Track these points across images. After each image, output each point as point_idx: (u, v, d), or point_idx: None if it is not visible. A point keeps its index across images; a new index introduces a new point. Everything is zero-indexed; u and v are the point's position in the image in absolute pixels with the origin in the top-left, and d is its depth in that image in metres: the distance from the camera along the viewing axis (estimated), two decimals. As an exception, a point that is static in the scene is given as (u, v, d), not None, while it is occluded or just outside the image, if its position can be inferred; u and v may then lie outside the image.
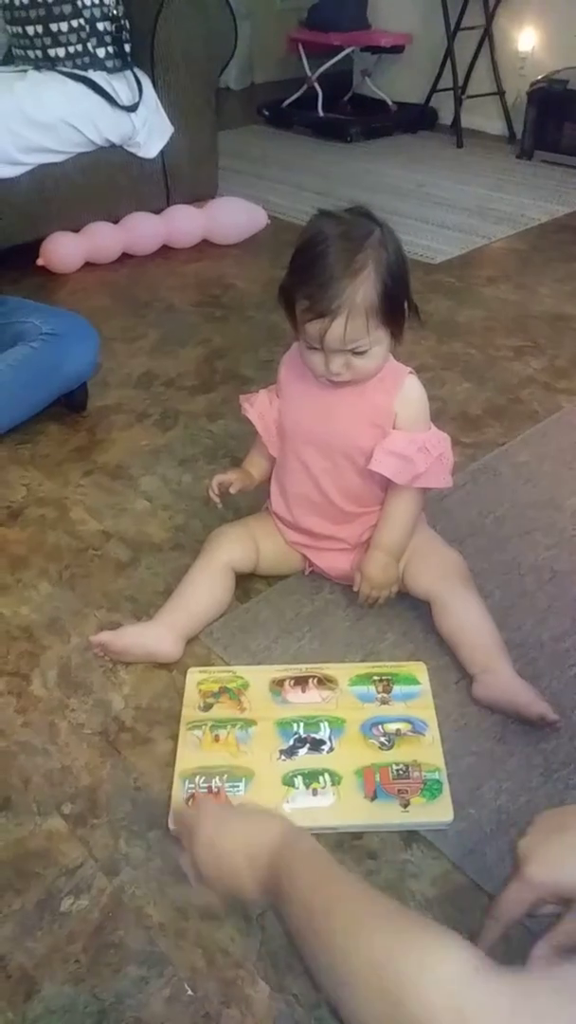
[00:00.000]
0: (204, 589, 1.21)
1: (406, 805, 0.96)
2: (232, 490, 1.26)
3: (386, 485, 1.16)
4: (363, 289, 1.00)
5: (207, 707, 1.08)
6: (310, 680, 1.11)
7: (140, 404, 1.79)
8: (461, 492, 1.48)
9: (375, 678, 1.11)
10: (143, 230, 2.50)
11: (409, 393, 1.13)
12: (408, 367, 1.16)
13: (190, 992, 0.81)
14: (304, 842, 0.71)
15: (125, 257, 2.49)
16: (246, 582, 1.27)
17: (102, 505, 1.49)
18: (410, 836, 0.94)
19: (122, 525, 1.44)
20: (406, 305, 1.06)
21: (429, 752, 1.01)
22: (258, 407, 1.22)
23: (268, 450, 1.24)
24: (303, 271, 1.02)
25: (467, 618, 1.14)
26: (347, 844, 0.94)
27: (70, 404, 1.73)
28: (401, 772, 0.99)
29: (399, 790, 0.97)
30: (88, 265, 2.43)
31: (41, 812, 0.98)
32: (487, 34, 3.55)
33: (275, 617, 1.24)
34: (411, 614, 1.22)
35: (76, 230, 2.42)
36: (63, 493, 1.52)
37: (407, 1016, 0.51)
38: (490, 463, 1.57)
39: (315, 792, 0.97)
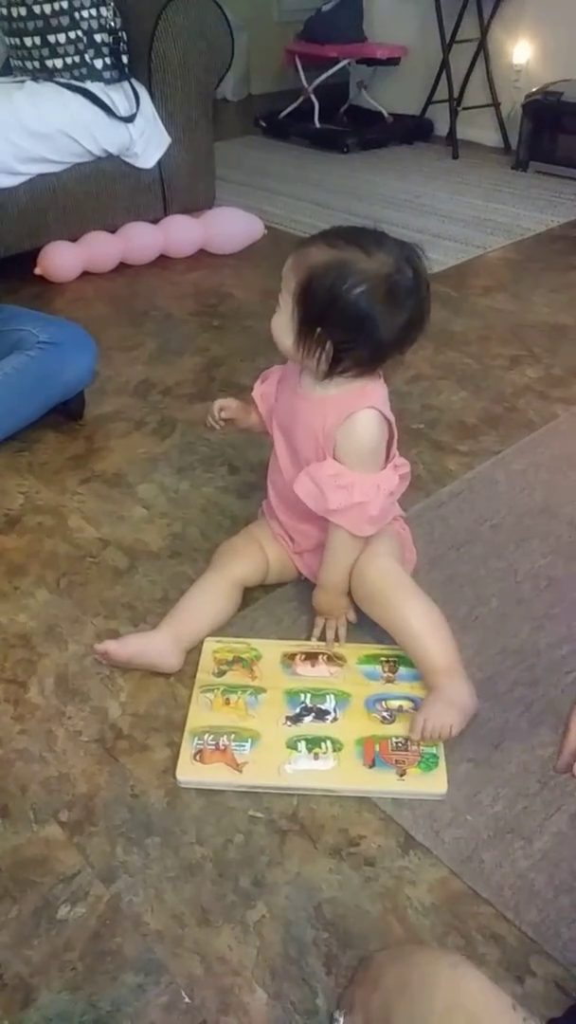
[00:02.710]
0: (211, 603, 1.21)
1: (402, 774, 1.00)
2: (225, 415, 1.26)
3: None
4: (316, 250, 1.01)
5: (220, 673, 1.14)
6: (320, 656, 1.17)
7: (138, 412, 1.80)
8: (458, 500, 1.49)
9: (383, 659, 1.16)
10: (141, 240, 2.51)
11: (354, 425, 1.06)
12: (378, 401, 1.08)
13: (187, 1000, 0.81)
14: None
15: (123, 266, 2.50)
16: (244, 590, 1.27)
17: (99, 513, 1.49)
18: (407, 843, 0.94)
19: (119, 533, 1.44)
20: (326, 336, 1.01)
21: None
22: (265, 386, 1.23)
23: (265, 426, 1.25)
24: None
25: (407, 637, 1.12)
26: (345, 851, 0.94)
27: (68, 412, 1.74)
28: (400, 745, 1.03)
29: (396, 760, 1.02)
30: (86, 274, 2.44)
31: (38, 820, 0.98)
32: (482, 46, 3.57)
33: (272, 624, 1.24)
34: (408, 621, 1.23)
35: (74, 239, 2.43)
36: (61, 501, 1.52)
37: None
38: (486, 471, 1.58)
39: (316, 756, 1.02)
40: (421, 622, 1.10)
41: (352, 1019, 0.69)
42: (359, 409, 1.06)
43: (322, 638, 1.20)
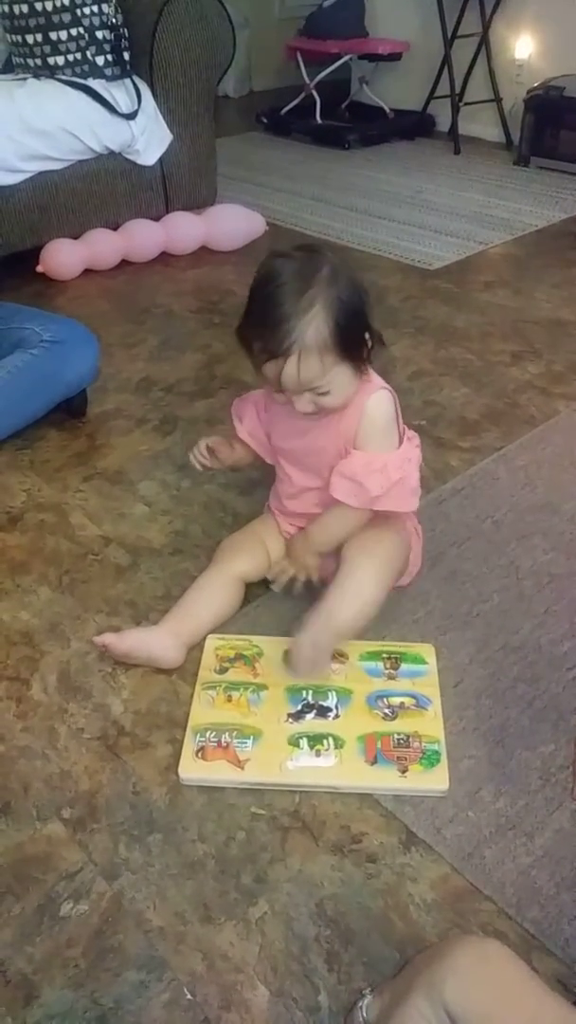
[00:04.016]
0: (213, 599, 1.21)
1: (404, 771, 1.00)
2: (212, 463, 1.24)
3: None
4: (313, 326, 0.98)
5: (222, 670, 1.14)
6: None
7: (139, 410, 1.80)
8: (459, 496, 1.49)
9: (384, 655, 1.16)
10: (142, 237, 2.51)
11: (368, 409, 1.09)
12: (382, 382, 1.12)
13: (189, 996, 0.81)
14: None
15: (124, 264, 2.50)
16: (245, 586, 1.27)
17: (101, 510, 1.49)
18: (409, 840, 0.94)
19: (121, 530, 1.44)
20: (367, 335, 1.04)
21: (430, 725, 1.06)
22: (247, 425, 1.23)
23: (263, 459, 1.25)
24: (254, 313, 1.02)
25: (343, 584, 1.10)
26: (347, 848, 0.94)
27: (70, 410, 1.74)
28: (402, 741, 1.03)
29: (398, 757, 1.01)
30: (87, 272, 2.44)
31: (40, 817, 0.98)
32: (484, 42, 3.56)
33: (274, 621, 1.24)
34: (409, 618, 1.23)
35: (75, 237, 2.43)
36: (63, 498, 1.52)
37: None
38: (488, 467, 1.58)
39: (318, 753, 1.02)
40: (361, 584, 1.10)
41: (379, 999, 0.71)
42: (368, 396, 1.09)
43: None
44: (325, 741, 1.04)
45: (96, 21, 2.34)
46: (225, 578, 1.22)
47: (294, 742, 1.04)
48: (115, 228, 2.50)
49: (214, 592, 1.21)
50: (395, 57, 3.83)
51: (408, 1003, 0.64)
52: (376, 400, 1.09)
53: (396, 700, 1.09)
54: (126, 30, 2.41)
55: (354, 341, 1.02)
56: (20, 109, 2.22)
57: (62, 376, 1.65)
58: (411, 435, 1.18)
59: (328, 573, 1.25)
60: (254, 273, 1.05)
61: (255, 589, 1.28)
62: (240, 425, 1.23)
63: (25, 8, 2.29)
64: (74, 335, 1.68)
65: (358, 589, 1.10)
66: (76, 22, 2.31)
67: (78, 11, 2.30)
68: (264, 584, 1.29)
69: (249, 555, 1.25)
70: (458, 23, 3.50)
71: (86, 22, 2.32)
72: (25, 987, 0.82)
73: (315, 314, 0.98)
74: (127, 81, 2.43)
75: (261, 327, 1.00)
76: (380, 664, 1.15)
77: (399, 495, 1.11)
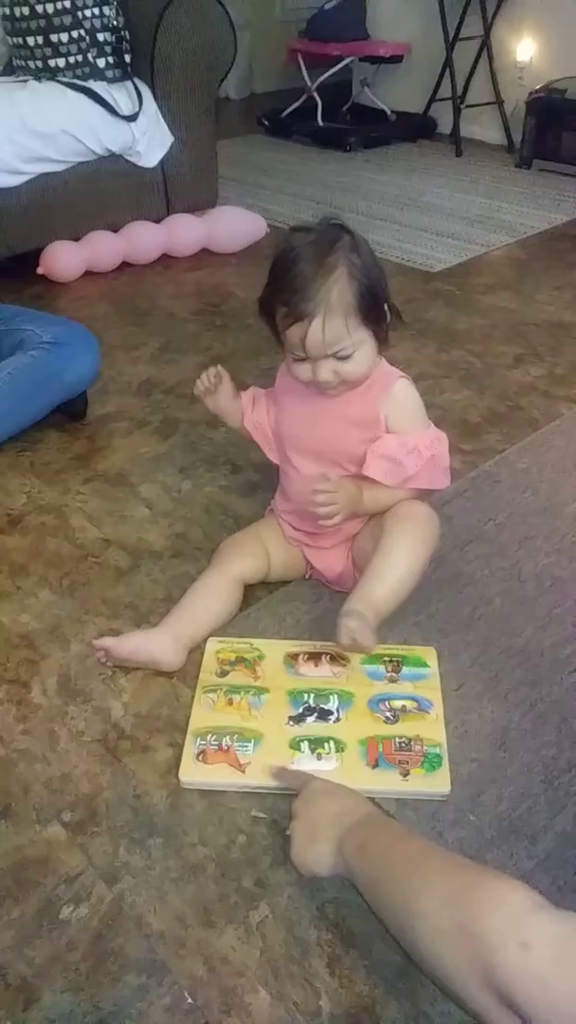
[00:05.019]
0: (212, 600, 1.20)
1: (406, 775, 1.00)
2: (208, 398, 1.24)
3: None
4: (337, 288, 1.02)
5: (223, 674, 1.14)
6: (323, 656, 1.16)
7: (140, 412, 1.80)
8: (461, 499, 1.49)
9: (386, 658, 1.15)
10: (143, 239, 2.51)
11: (397, 396, 1.13)
12: (399, 371, 1.16)
13: (190, 1000, 0.81)
14: (391, 820, 0.90)
15: (125, 266, 2.50)
16: (247, 589, 1.26)
17: (102, 512, 1.49)
18: (411, 843, 0.94)
19: (122, 532, 1.44)
20: (386, 307, 1.08)
21: (432, 728, 1.05)
22: (255, 416, 1.25)
23: (268, 456, 1.26)
24: (278, 280, 1.05)
25: (381, 559, 1.11)
26: (347, 851, 0.93)
27: (70, 412, 1.74)
28: (403, 744, 1.03)
29: (400, 760, 1.01)
30: (88, 274, 2.44)
31: (41, 820, 0.98)
32: (485, 44, 3.57)
33: (275, 624, 1.24)
34: (410, 621, 1.22)
35: (76, 239, 2.43)
36: (63, 501, 1.52)
37: (480, 944, 0.60)
38: (490, 470, 1.57)
39: (320, 757, 1.02)
40: (400, 558, 1.11)
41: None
42: (391, 381, 1.13)
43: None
44: (327, 744, 1.03)
45: (97, 23, 2.34)
46: (224, 579, 1.22)
47: (295, 745, 1.03)
48: (116, 230, 2.50)
49: (213, 594, 1.21)
50: (396, 59, 3.83)
51: None
52: (401, 387, 1.14)
53: (398, 703, 1.09)
54: (127, 32, 2.41)
55: (375, 306, 1.06)
56: (21, 111, 2.22)
57: (62, 378, 1.65)
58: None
59: (338, 576, 1.25)
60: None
61: (257, 592, 1.28)
62: (249, 415, 1.25)
63: (26, 10, 2.29)
64: (74, 337, 1.68)
65: (394, 562, 1.11)
66: (77, 24, 2.31)
67: (79, 13, 2.30)
68: (265, 587, 1.29)
69: (249, 556, 1.24)
70: (459, 26, 3.51)
71: (87, 24, 2.32)
72: (25, 991, 0.82)
73: (339, 275, 1.02)
74: (128, 83, 2.43)
75: (286, 291, 1.03)
76: (382, 667, 1.14)
77: (431, 473, 1.15)
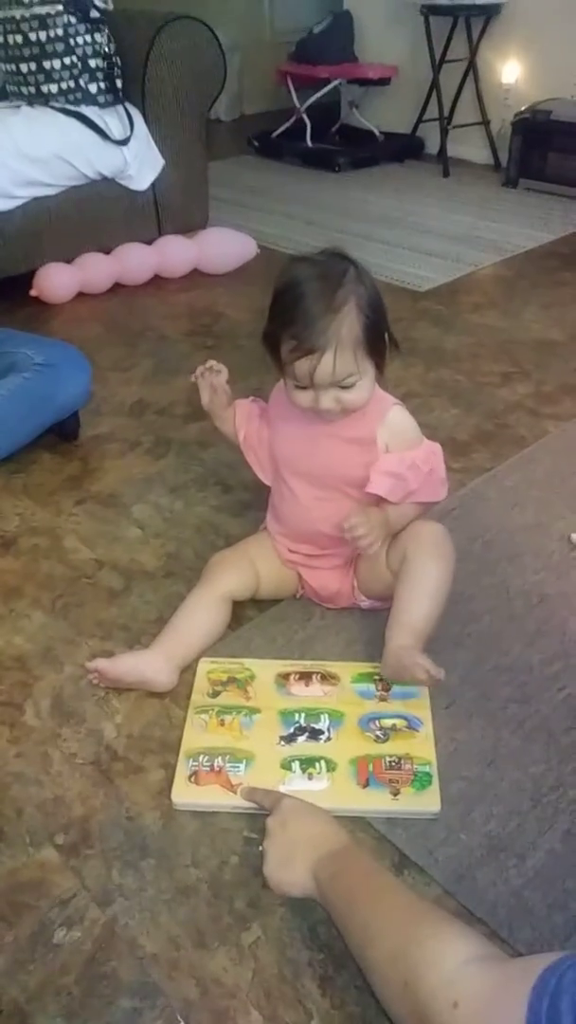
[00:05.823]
0: (202, 619, 1.21)
1: (396, 794, 1.00)
2: (207, 392, 1.27)
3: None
4: (347, 323, 1.03)
5: (215, 694, 1.15)
6: (314, 675, 1.17)
7: (132, 433, 1.81)
8: (449, 517, 1.50)
9: (376, 677, 1.16)
10: (135, 260, 2.53)
11: (393, 424, 1.16)
12: (393, 398, 1.19)
13: (183, 1023, 0.81)
14: (363, 853, 0.89)
15: (117, 287, 2.52)
16: (237, 608, 1.27)
17: (95, 533, 1.50)
18: (401, 862, 0.95)
19: (115, 553, 1.45)
20: (387, 336, 1.10)
21: (422, 747, 1.06)
22: (247, 436, 1.26)
23: (259, 477, 1.27)
24: (286, 313, 1.05)
25: (408, 586, 1.14)
26: (339, 871, 0.94)
27: (63, 433, 1.75)
28: (393, 764, 1.04)
29: (390, 780, 1.02)
30: (81, 295, 2.46)
31: (34, 843, 0.98)
32: (471, 66, 3.62)
33: (266, 644, 1.25)
34: (401, 639, 1.24)
35: (69, 261, 2.46)
36: (56, 522, 1.53)
37: (417, 1000, 0.64)
38: (478, 488, 1.59)
39: (310, 777, 1.03)
40: (430, 583, 1.13)
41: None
42: (387, 407, 1.16)
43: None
44: (317, 764, 1.04)
45: (89, 50, 2.37)
46: (212, 598, 1.22)
47: (286, 765, 1.04)
48: (108, 252, 2.52)
49: (203, 613, 1.22)
50: (384, 82, 3.89)
51: None
52: (396, 414, 1.17)
53: (388, 722, 1.10)
54: (118, 58, 2.45)
55: (380, 337, 1.08)
56: (14, 136, 2.25)
57: (54, 399, 1.66)
58: None
59: (333, 595, 1.27)
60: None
61: (248, 611, 1.29)
62: (243, 430, 1.27)
63: (20, 38, 2.32)
64: (66, 358, 1.69)
65: (424, 582, 1.13)
66: (69, 51, 2.34)
67: (71, 40, 2.34)
68: (256, 606, 1.30)
69: (237, 573, 1.25)
70: (446, 48, 3.57)
71: (79, 51, 2.36)
72: (18, 1016, 0.82)
73: (349, 310, 1.03)
74: (119, 108, 2.46)
75: (295, 325, 1.04)
76: (372, 686, 1.15)
77: (430, 486, 1.18)
